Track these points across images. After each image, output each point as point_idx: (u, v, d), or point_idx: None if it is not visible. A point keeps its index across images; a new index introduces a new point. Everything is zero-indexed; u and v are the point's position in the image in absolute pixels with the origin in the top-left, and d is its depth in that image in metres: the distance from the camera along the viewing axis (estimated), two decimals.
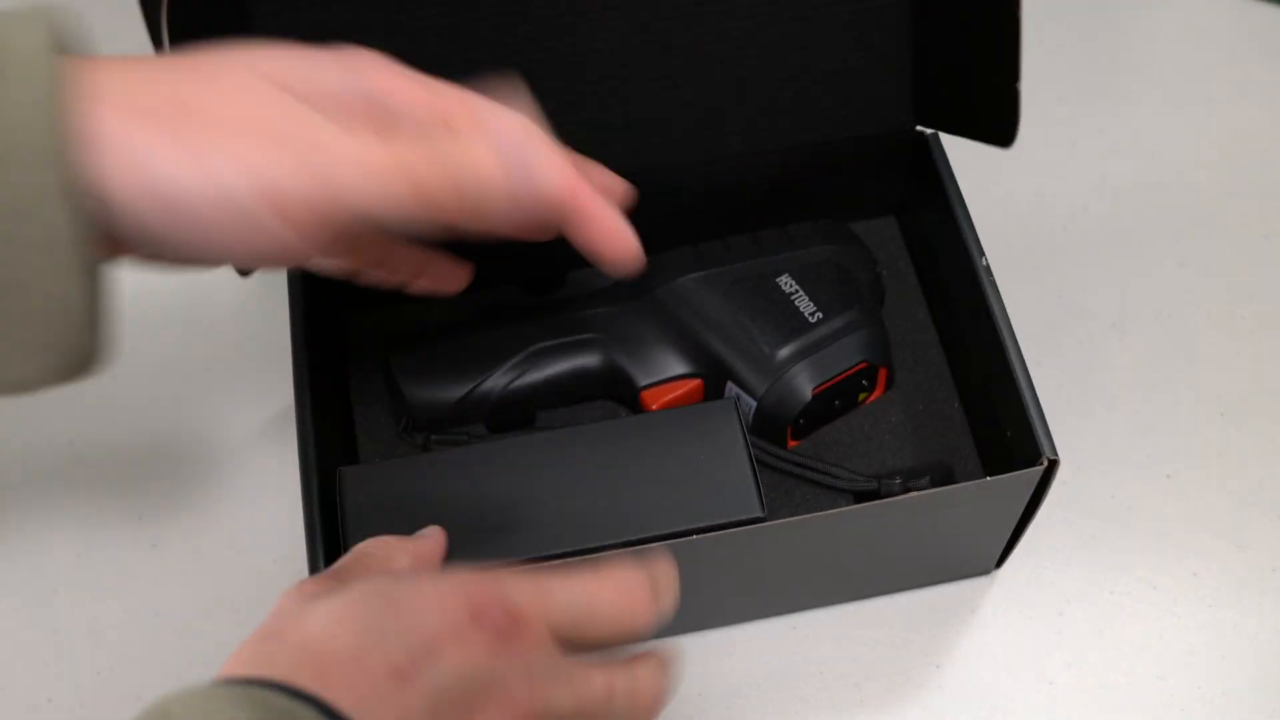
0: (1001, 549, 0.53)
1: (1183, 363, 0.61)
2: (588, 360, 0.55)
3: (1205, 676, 0.53)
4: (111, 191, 0.30)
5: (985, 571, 0.55)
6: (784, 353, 0.53)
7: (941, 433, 0.57)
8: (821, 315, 0.54)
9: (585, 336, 0.55)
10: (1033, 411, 0.48)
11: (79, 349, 0.32)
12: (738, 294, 0.54)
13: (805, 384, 0.53)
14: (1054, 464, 0.47)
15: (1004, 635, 0.54)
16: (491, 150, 0.35)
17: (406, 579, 0.37)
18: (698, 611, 0.49)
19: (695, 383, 0.54)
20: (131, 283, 0.63)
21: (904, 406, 0.57)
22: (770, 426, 0.54)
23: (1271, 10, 0.72)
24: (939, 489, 0.49)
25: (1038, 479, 0.47)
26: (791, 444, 0.55)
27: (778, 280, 0.55)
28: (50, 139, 0.29)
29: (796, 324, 0.54)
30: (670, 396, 0.54)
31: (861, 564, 0.52)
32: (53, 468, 0.58)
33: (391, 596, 0.34)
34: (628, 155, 0.50)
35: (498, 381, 0.53)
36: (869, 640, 0.54)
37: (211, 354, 0.61)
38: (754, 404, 0.53)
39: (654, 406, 0.54)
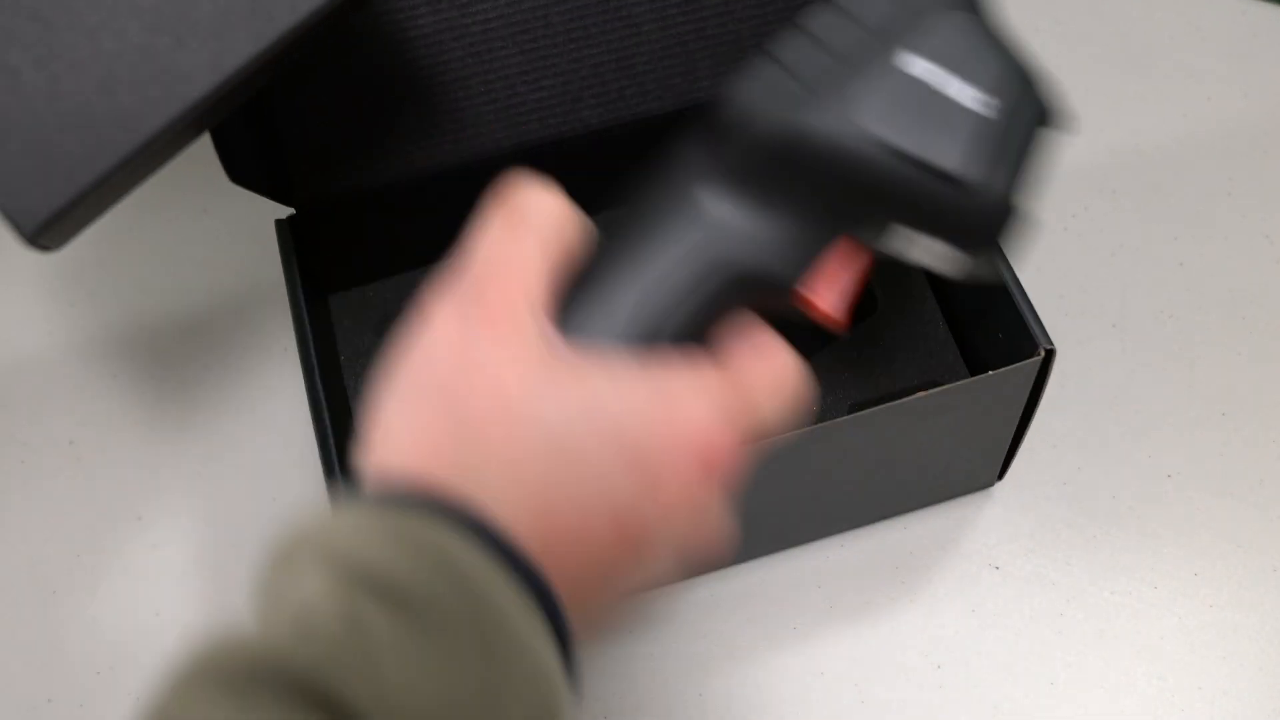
0: (1003, 457, 0.51)
1: (1183, 363, 0.61)
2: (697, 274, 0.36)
3: (1205, 676, 0.53)
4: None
5: (988, 485, 0.54)
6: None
7: (931, 353, 0.56)
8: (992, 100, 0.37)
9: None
10: (1023, 307, 0.47)
11: None
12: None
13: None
14: (1050, 354, 0.45)
15: (1004, 635, 0.54)
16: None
17: (640, 391, 0.30)
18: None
19: (863, 256, 0.38)
20: (132, 283, 0.63)
21: (889, 331, 0.55)
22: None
23: (1271, 10, 0.72)
24: (940, 388, 0.45)
25: (1036, 370, 0.45)
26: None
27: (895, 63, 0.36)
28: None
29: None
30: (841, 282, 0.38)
31: (862, 481, 0.50)
32: (53, 468, 0.58)
33: (618, 421, 0.29)
34: (600, 107, 0.49)
35: None
36: (870, 640, 0.54)
37: (212, 355, 0.61)
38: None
39: (821, 304, 0.37)
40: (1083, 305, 0.63)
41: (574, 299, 0.33)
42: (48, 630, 0.55)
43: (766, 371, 0.33)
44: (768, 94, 0.36)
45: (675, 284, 0.35)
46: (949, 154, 0.36)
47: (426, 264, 0.48)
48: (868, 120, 0.35)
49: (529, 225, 0.32)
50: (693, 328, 0.35)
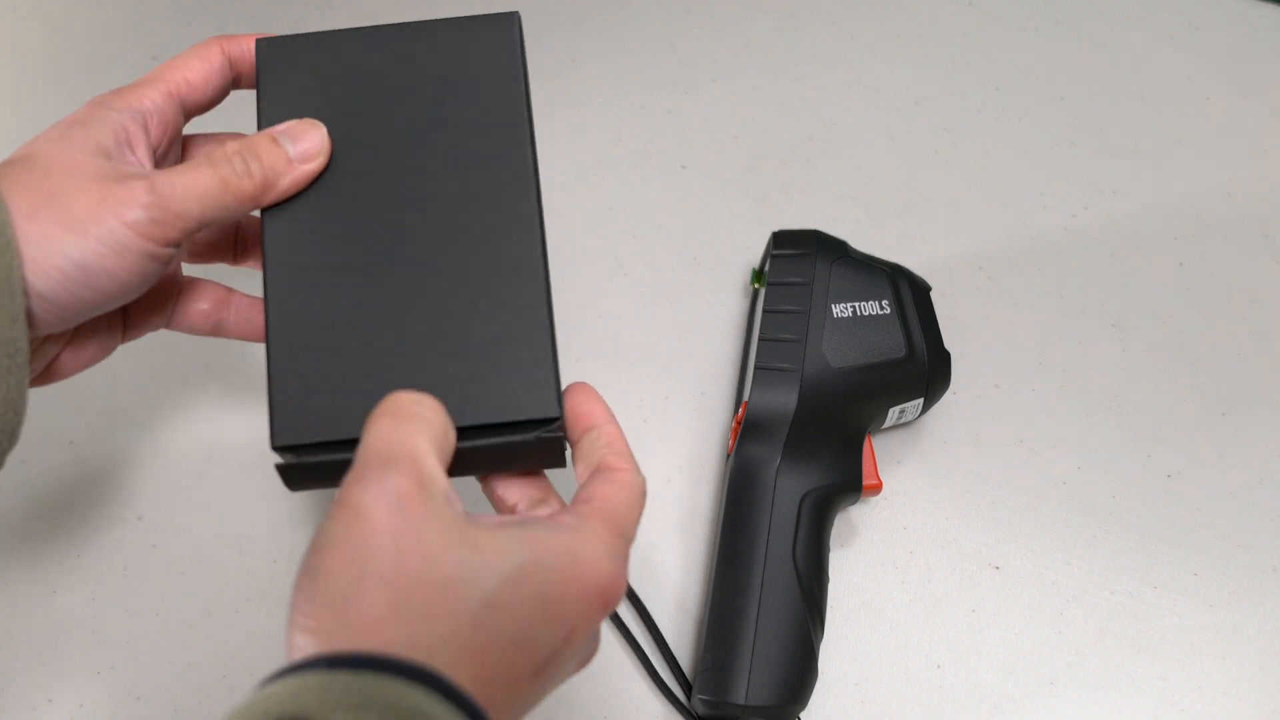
0: None
1: (1183, 363, 0.61)
2: None
3: (1205, 676, 0.53)
4: (32, 281, 0.38)
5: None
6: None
7: None
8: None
9: None
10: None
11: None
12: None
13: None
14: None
15: (1004, 635, 0.54)
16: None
17: (552, 556, 0.35)
18: None
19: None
20: None
21: None
22: None
23: (1271, 10, 0.72)
24: None
25: None
26: None
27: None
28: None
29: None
30: (874, 462, 0.56)
31: None
32: (53, 468, 0.58)
33: (540, 585, 0.34)
34: None
35: None
36: (870, 640, 0.54)
37: (212, 355, 0.61)
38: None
39: (873, 482, 0.55)
40: (1083, 305, 0.63)
41: None
42: (48, 630, 0.55)
43: (627, 499, 0.38)
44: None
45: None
46: (890, 347, 0.54)
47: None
48: (836, 360, 0.54)
49: (418, 419, 0.36)
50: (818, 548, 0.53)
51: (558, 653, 0.35)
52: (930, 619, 0.55)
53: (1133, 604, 0.55)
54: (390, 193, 0.42)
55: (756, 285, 0.59)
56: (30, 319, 0.39)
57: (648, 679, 0.54)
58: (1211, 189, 0.67)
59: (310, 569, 0.34)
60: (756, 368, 0.54)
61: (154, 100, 0.42)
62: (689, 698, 0.53)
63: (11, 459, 0.59)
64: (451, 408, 0.38)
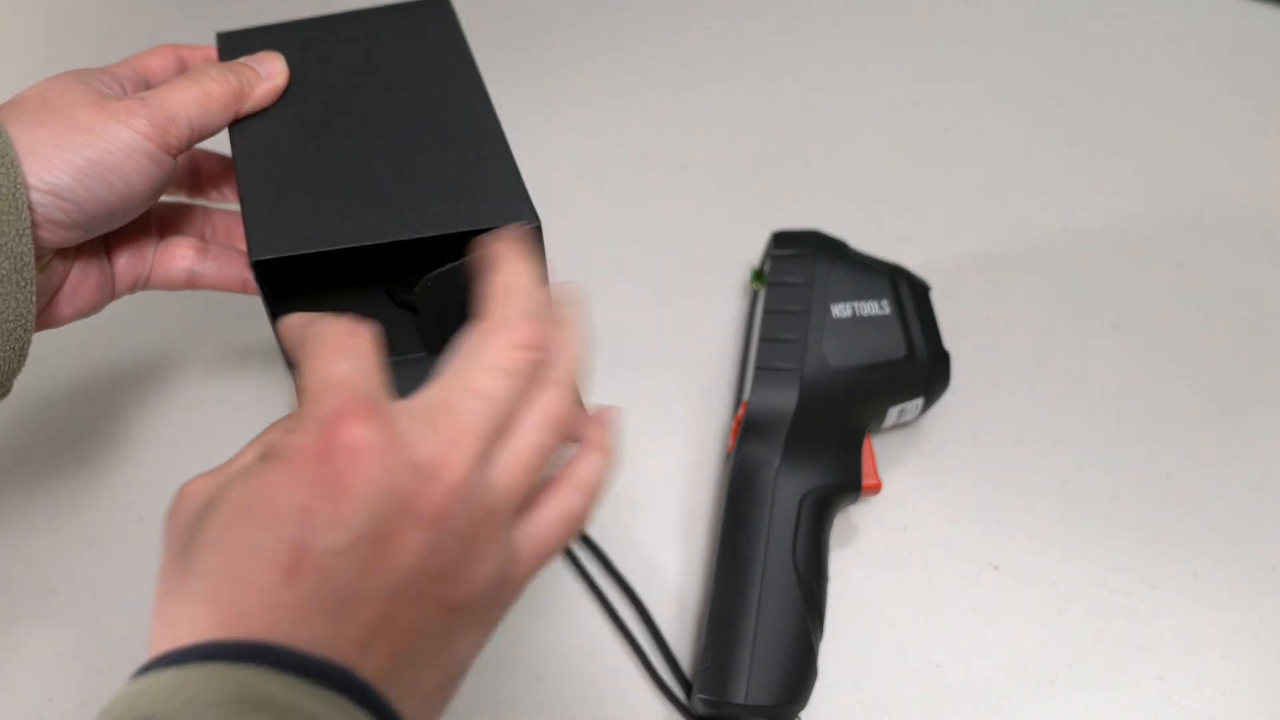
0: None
1: (1183, 363, 0.61)
2: None
3: (1205, 676, 0.53)
4: (48, 179, 0.41)
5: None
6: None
7: None
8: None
9: None
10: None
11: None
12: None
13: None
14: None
15: (1004, 635, 0.54)
16: None
17: (248, 474, 0.32)
18: None
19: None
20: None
21: None
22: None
23: (1271, 10, 0.72)
24: None
25: None
26: None
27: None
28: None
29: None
30: (872, 462, 0.56)
31: None
32: (54, 468, 0.58)
33: (243, 503, 0.31)
34: None
35: None
36: (870, 640, 0.54)
37: (212, 356, 0.61)
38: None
39: (872, 482, 0.55)
40: (1083, 305, 0.63)
41: None
42: (48, 630, 0.55)
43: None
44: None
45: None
46: (889, 347, 0.54)
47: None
48: (836, 360, 0.54)
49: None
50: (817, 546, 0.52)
51: (301, 541, 0.30)
52: (930, 619, 0.55)
53: (1133, 604, 0.55)
54: (348, 112, 0.46)
55: (756, 285, 0.59)
56: (46, 229, 0.42)
57: (648, 679, 0.54)
58: (1211, 189, 0.67)
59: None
60: (756, 368, 0.54)
61: (125, 73, 0.47)
62: (689, 697, 0.53)
63: (12, 459, 0.59)
64: (429, 220, 0.40)
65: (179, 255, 0.50)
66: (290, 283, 0.44)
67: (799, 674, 0.50)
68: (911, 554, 0.56)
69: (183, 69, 0.49)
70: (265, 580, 0.30)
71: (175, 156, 0.44)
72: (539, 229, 0.41)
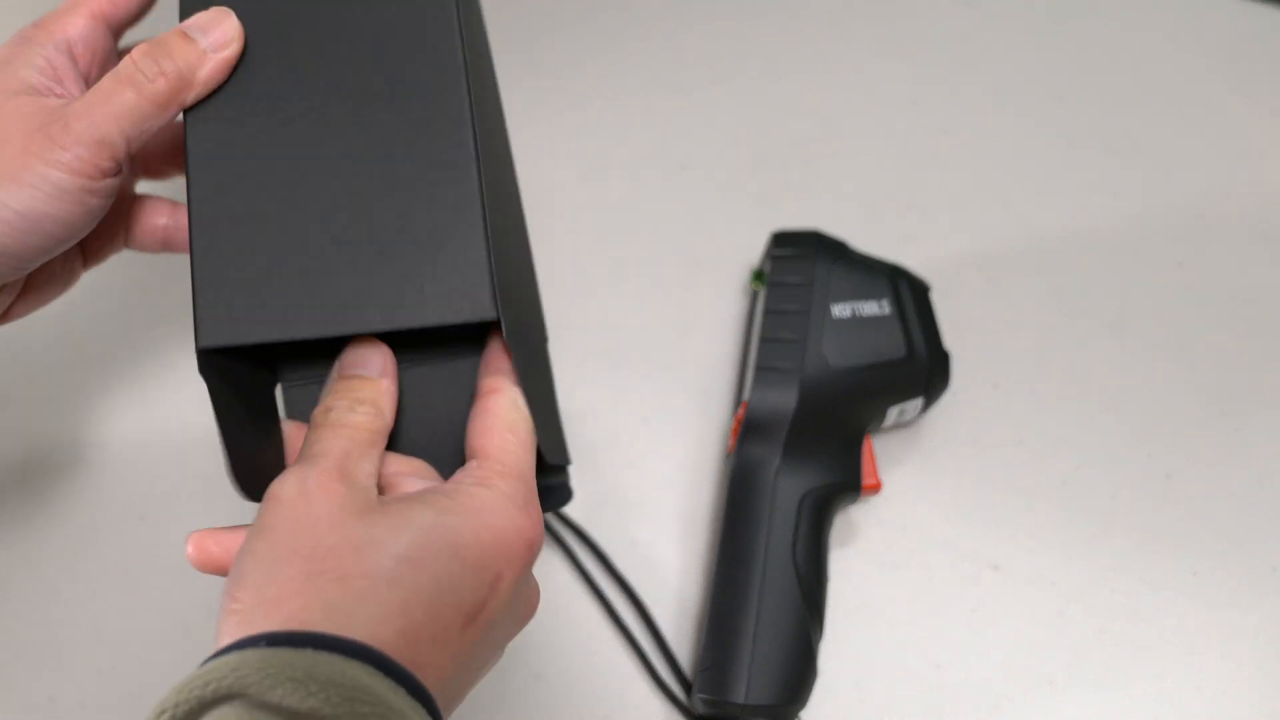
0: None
1: (1182, 363, 0.61)
2: None
3: (1205, 676, 0.53)
4: None
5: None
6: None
7: None
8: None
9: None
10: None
11: None
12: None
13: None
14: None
15: (1004, 635, 0.54)
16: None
17: (458, 512, 0.36)
18: None
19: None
20: (133, 284, 0.63)
21: None
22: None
23: (1271, 10, 0.72)
24: None
25: None
26: None
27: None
28: None
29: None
30: (872, 463, 0.56)
31: None
32: (54, 468, 0.58)
33: (450, 538, 0.35)
34: None
35: None
36: (870, 640, 0.54)
37: None
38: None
39: (872, 482, 0.55)
40: (1083, 305, 0.63)
41: None
42: (48, 630, 0.55)
43: (515, 439, 0.39)
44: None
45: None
46: (889, 347, 0.54)
47: None
48: (836, 360, 0.54)
49: (347, 427, 0.38)
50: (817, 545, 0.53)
51: (484, 601, 0.35)
52: (930, 619, 0.55)
53: (1132, 604, 0.55)
54: (316, 94, 0.40)
55: (756, 285, 0.59)
56: None
57: (648, 679, 0.54)
58: (1211, 189, 0.67)
59: (238, 556, 0.35)
60: (756, 368, 0.54)
61: (78, 27, 0.42)
62: (689, 697, 0.53)
63: (12, 458, 0.59)
64: (382, 311, 0.38)
65: (156, 220, 0.48)
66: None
67: (799, 674, 0.50)
68: (911, 554, 0.56)
69: (107, 32, 0.43)
70: (450, 618, 0.34)
71: (117, 173, 0.40)
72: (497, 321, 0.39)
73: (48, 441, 0.59)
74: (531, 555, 0.37)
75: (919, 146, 0.68)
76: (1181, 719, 0.52)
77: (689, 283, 0.63)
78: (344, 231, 0.39)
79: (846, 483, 0.53)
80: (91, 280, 0.64)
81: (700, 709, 0.51)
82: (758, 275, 0.59)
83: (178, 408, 0.60)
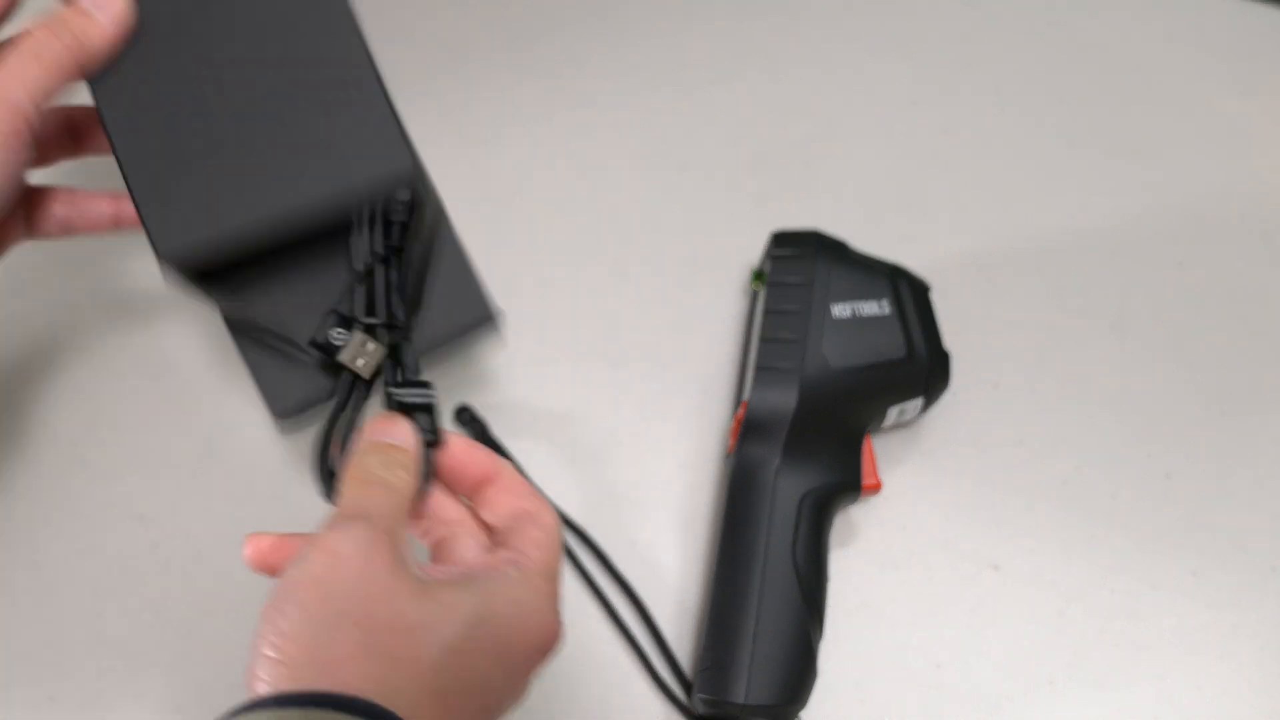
0: None
1: (1182, 363, 0.61)
2: None
3: (1205, 676, 0.53)
4: None
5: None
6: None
7: None
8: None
9: None
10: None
11: None
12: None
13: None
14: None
15: (1004, 635, 0.54)
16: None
17: (502, 608, 0.38)
18: None
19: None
20: (132, 285, 0.63)
21: None
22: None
23: (1271, 10, 0.72)
24: None
25: None
26: None
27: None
28: None
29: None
30: (872, 463, 0.56)
31: None
32: (54, 468, 0.58)
33: (494, 634, 0.38)
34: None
35: None
36: (870, 640, 0.54)
37: (213, 355, 0.61)
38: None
39: (872, 482, 0.55)
40: (1083, 305, 0.63)
41: None
42: (48, 630, 0.55)
43: (552, 545, 0.42)
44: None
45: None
46: (889, 347, 0.54)
47: None
48: (836, 360, 0.53)
49: (387, 485, 0.41)
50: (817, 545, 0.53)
51: (503, 697, 0.39)
52: (930, 619, 0.55)
53: (1132, 604, 0.55)
54: (215, 50, 0.45)
55: (756, 285, 0.59)
56: None
57: (648, 678, 0.54)
58: (1211, 189, 0.67)
59: (281, 602, 0.35)
60: (756, 368, 0.54)
61: None
62: (689, 697, 0.53)
63: (12, 458, 0.59)
64: (309, 185, 0.43)
65: (55, 209, 0.50)
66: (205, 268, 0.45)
67: (799, 674, 0.50)
68: (911, 554, 0.56)
69: None
70: (476, 707, 0.38)
71: (30, 141, 0.42)
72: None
73: (47, 441, 0.59)
74: (549, 659, 0.40)
75: (919, 146, 0.68)
76: (1181, 719, 0.52)
77: (689, 283, 0.63)
78: (261, 137, 0.44)
79: (846, 483, 0.53)
80: (91, 280, 0.64)
81: (700, 709, 0.51)
82: (758, 275, 0.59)
83: (178, 407, 0.60)
